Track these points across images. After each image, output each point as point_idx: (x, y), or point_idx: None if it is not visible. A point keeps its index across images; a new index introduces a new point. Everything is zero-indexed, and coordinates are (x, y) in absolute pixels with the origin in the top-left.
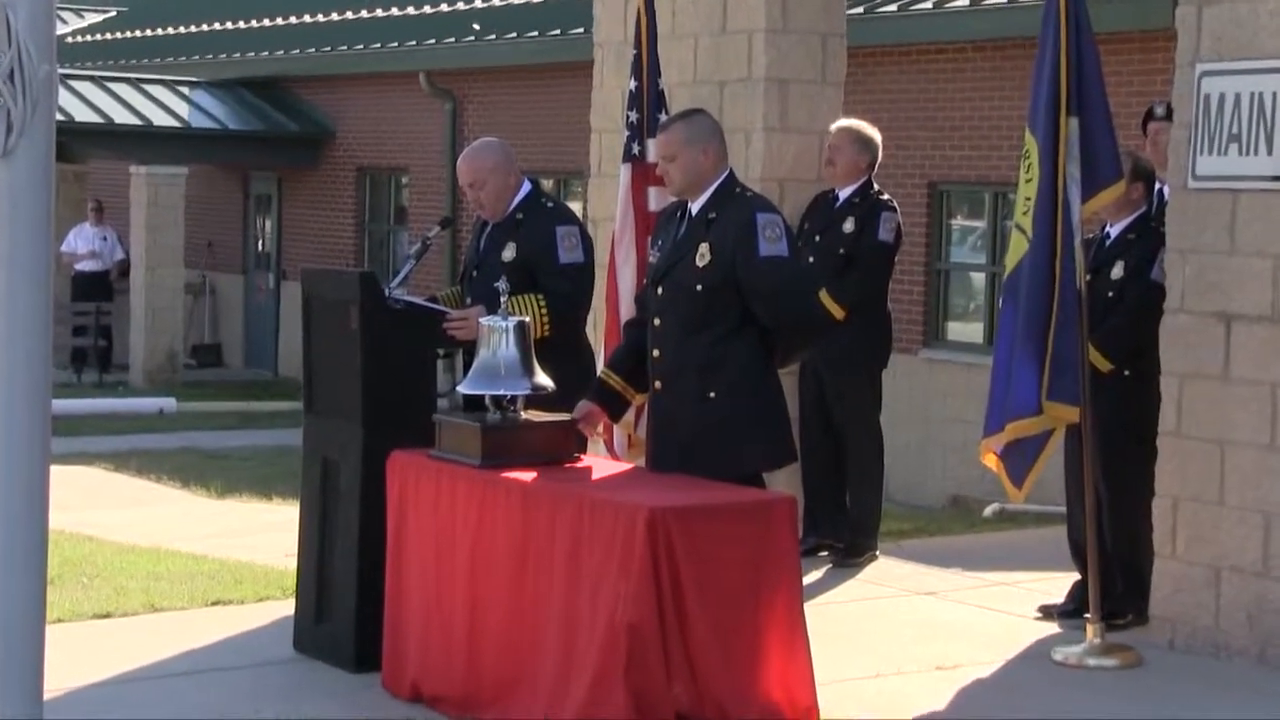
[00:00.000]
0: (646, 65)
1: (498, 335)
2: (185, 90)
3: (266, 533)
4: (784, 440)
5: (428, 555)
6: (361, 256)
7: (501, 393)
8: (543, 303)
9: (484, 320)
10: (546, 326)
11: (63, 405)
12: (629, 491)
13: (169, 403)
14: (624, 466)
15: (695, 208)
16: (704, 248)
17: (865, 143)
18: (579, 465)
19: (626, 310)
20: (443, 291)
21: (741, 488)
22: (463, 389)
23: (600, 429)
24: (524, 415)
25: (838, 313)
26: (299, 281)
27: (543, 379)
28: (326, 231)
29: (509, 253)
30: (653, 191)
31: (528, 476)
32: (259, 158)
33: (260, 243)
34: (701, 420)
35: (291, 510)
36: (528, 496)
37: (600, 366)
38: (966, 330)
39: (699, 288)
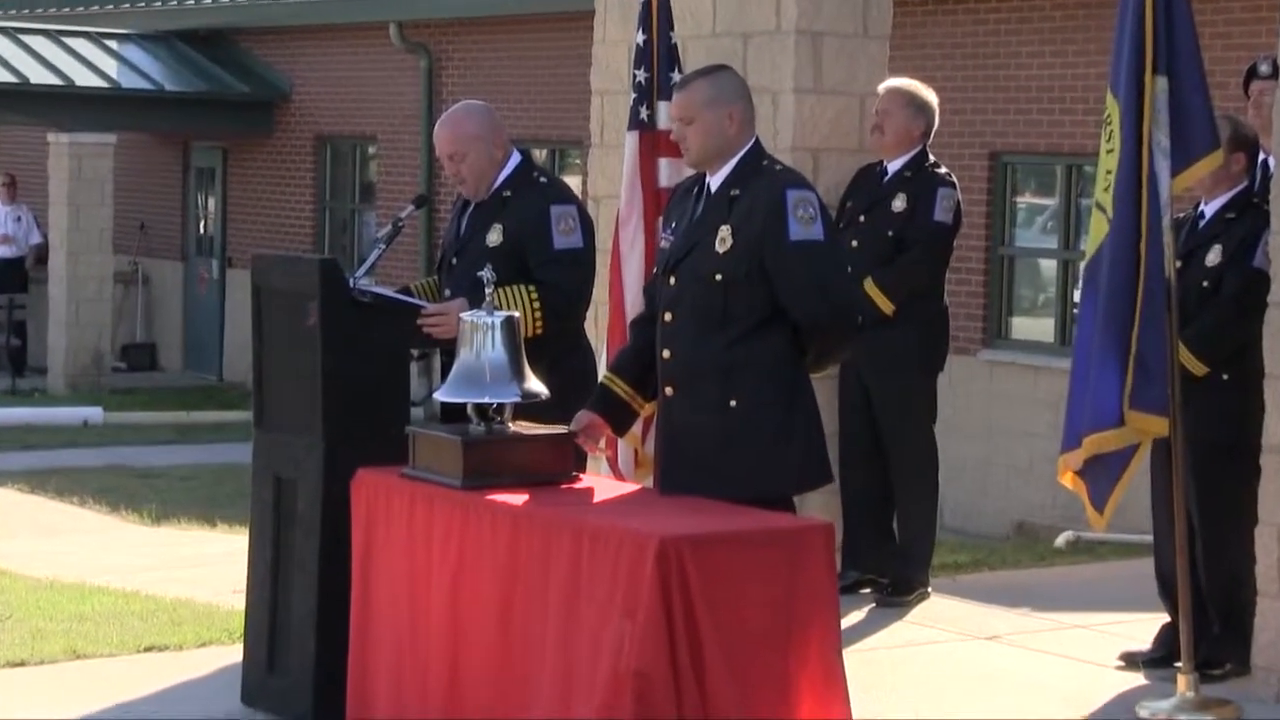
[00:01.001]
0: (657, 15)
1: (482, 333)
2: (113, 44)
3: (209, 565)
4: (818, 457)
5: (400, 592)
6: (321, 241)
7: (486, 401)
8: (534, 295)
9: (465, 315)
10: (539, 323)
11: None
12: (635, 517)
13: (94, 412)
14: (630, 488)
15: (715, 183)
16: (725, 230)
17: (919, 106)
18: (577, 486)
19: (633, 304)
20: (417, 282)
21: (768, 513)
22: (440, 396)
23: (603, 444)
24: (513, 427)
25: (885, 306)
26: (248, 270)
27: (535, 385)
28: (281, 211)
29: (495, 236)
30: (664, 164)
31: (517, 499)
32: (201, 124)
33: (202, 224)
34: (721, 433)
35: (239, 539)
36: (517, 523)
37: (602, 370)
38: (1035, 327)
39: (718, 277)
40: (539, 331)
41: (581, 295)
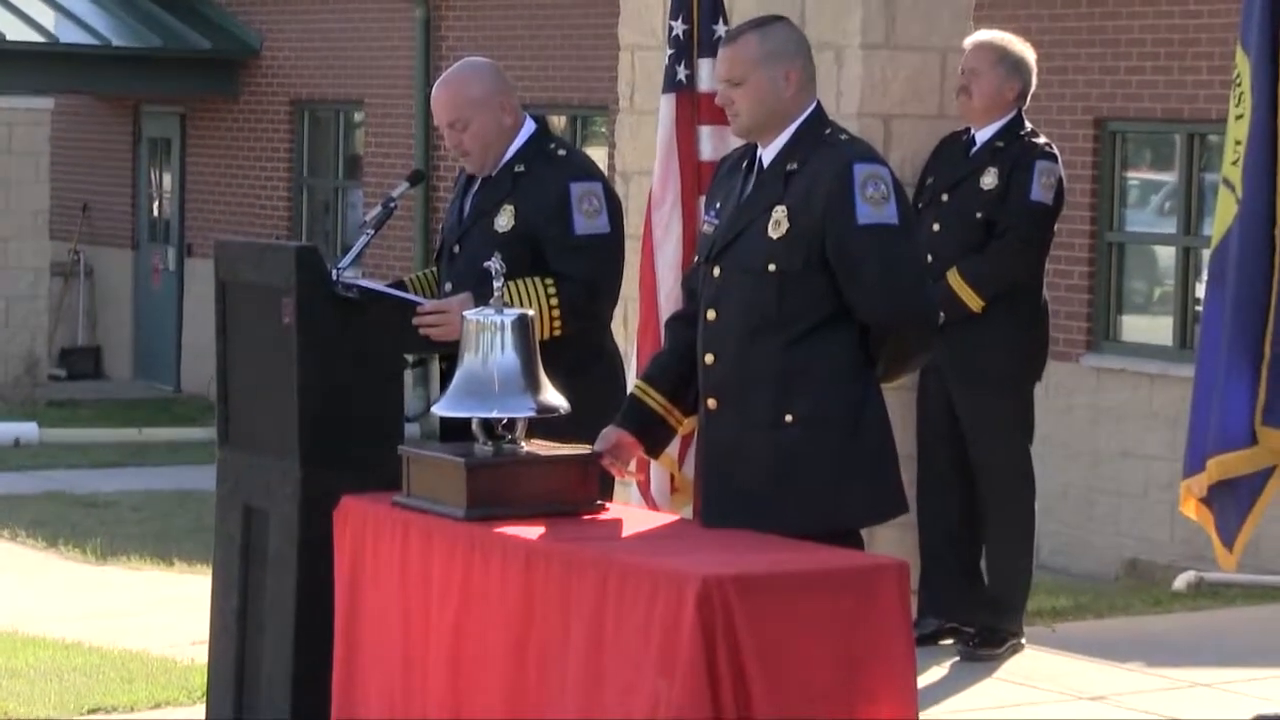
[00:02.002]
0: None
1: (489, 335)
2: None
3: (165, 611)
4: (890, 483)
5: (392, 643)
6: (298, 225)
7: (494, 416)
8: (552, 289)
9: (470, 314)
10: (557, 323)
11: None
12: (672, 554)
13: (28, 429)
14: (665, 519)
15: (768, 156)
16: (780, 212)
17: (1013, 64)
18: (603, 517)
19: (669, 300)
20: (412, 274)
21: (831, 549)
22: (440, 410)
23: (633, 467)
24: (526, 447)
25: (972, 303)
26: (210, 260)
27: (552, 396)
28: (250, 190)
29: (504, 219)
30: (707, 133)
31: (531, 533)
32: (154, 86)
33: (156, 205)
34: (774, 454)
35: (200, 580)
36: (531, 561)
37: (632, 379)
38: (1151, 327)
39: (772, 268)
40: (557, 333)
41: (607, 289)
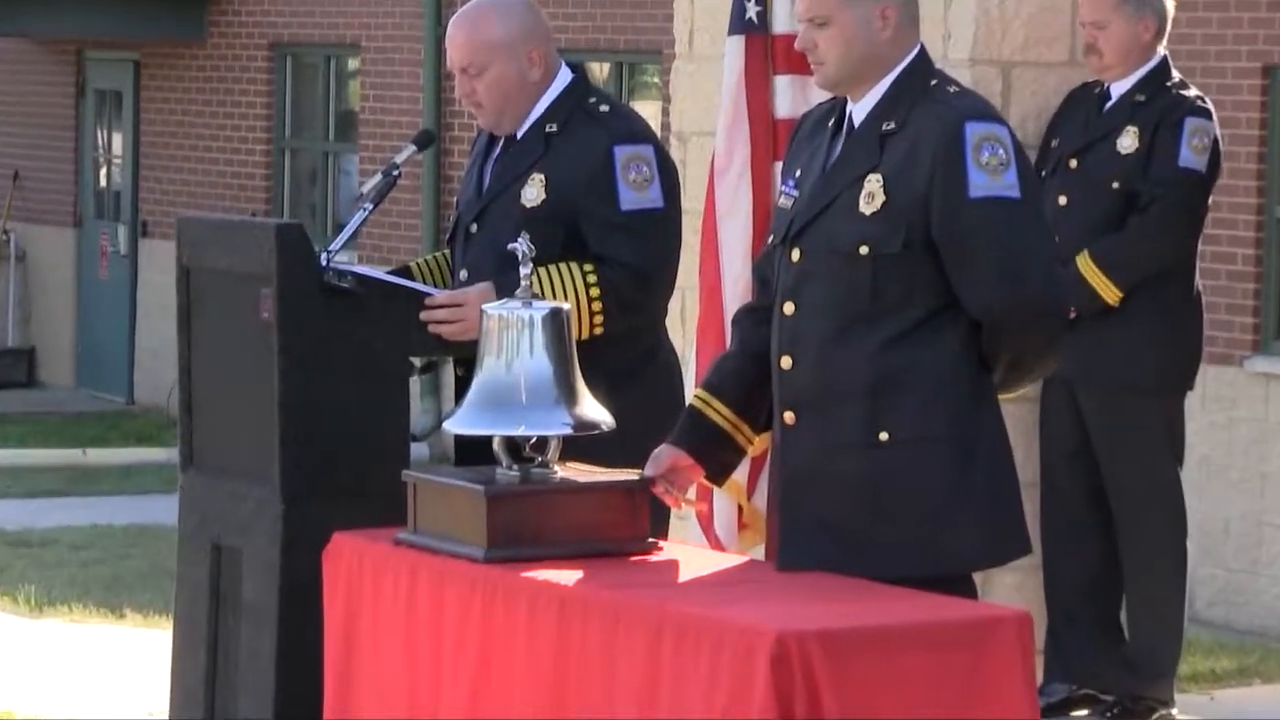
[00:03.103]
0: None
1: (515, 333)
2: None
3: (116, 674)
4: (1009, 516)
5: (394, 711)
6: (279, 198)
7: (521, 433)
8: (592, 278)
9: (490, 308)
10: (598, 318)
11: None
12: (741, 604)
13: None
14: (732, 561)
15: (860, 112)
16: (874, 182)
17: (1140, 1)
18: (655, 558)
19: (737, 290)
20: (420, 259)
21: (936, 598)
22: (453, 427)
23: (692, 495)
24: (560, 472)
25: (1108, 294)
26: (171, 241)
27: (593, 410)
28: (218, 155)
29: (533, 191)
30: (783, 84)
31: (567, 578)
32: (102, 26)
33: (104, 173)
34: (867, 481)
35: (159, 635)
36: (567, 612)
37: (692, 387)
38: None
39: (864, 251)
40: (598, 332)
41: (660, 278)
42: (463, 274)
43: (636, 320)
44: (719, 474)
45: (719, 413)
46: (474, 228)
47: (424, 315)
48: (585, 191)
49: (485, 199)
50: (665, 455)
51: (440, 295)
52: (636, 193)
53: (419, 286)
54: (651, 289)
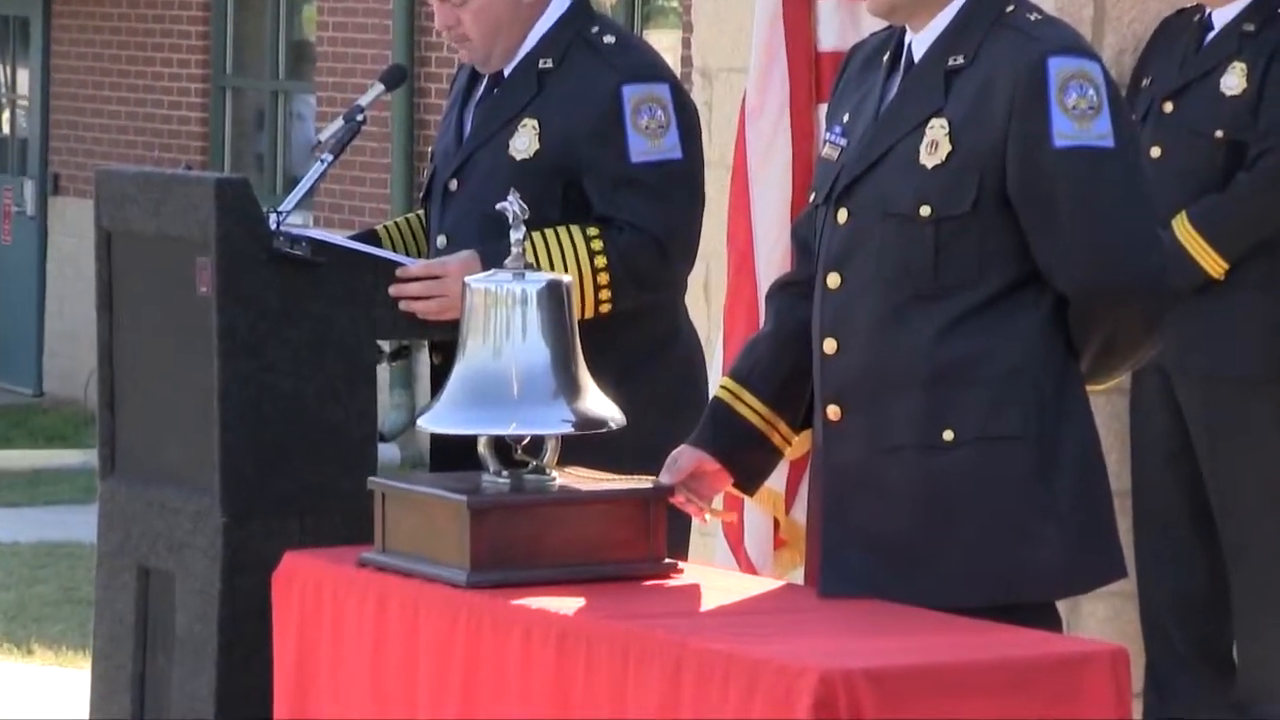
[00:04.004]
0: None
1: (505, 312)
2: None
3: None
4: (1099, 532)
5: None
6: (218, 147)
7: (513, 432)
8: (598, 244)
9: (474, 282)
10: (605, 293)
11: None
12: (777, 637)
13: None
14: (766, 585)
15: (922, 44)
16: (938, 127)
17: None
18: (673, 583)
19: (771, 260)
20: (389, 221)
21: (1011, 630)
22: (429, 424)
23: (718, 504)
24: (559, 479)
25: (1211, 264)
26: (88, 199)
27: (598, 404)
28: (145, 95)
29: (524, 140)
30: (828, 10)
31: (567, 605)
32: None
33: (7, 118)
34: (927, 490)
35: (73, 675)
36: (567, 646)
37: (718, 377)
38: None
39: (926, 211)
40: (605, 309)
41: (680, 244)
42: (440, 240)
43: (651, 296)
44: (750, 481)
45: (750, 407)
46: (453, 184)
47: (395, 290)
48: (588, 140)
49: (466, 150)
50: (686, 458)
51: (415, 266)
52: (649, 141)
53: (389, 255)
54: (668, 258)
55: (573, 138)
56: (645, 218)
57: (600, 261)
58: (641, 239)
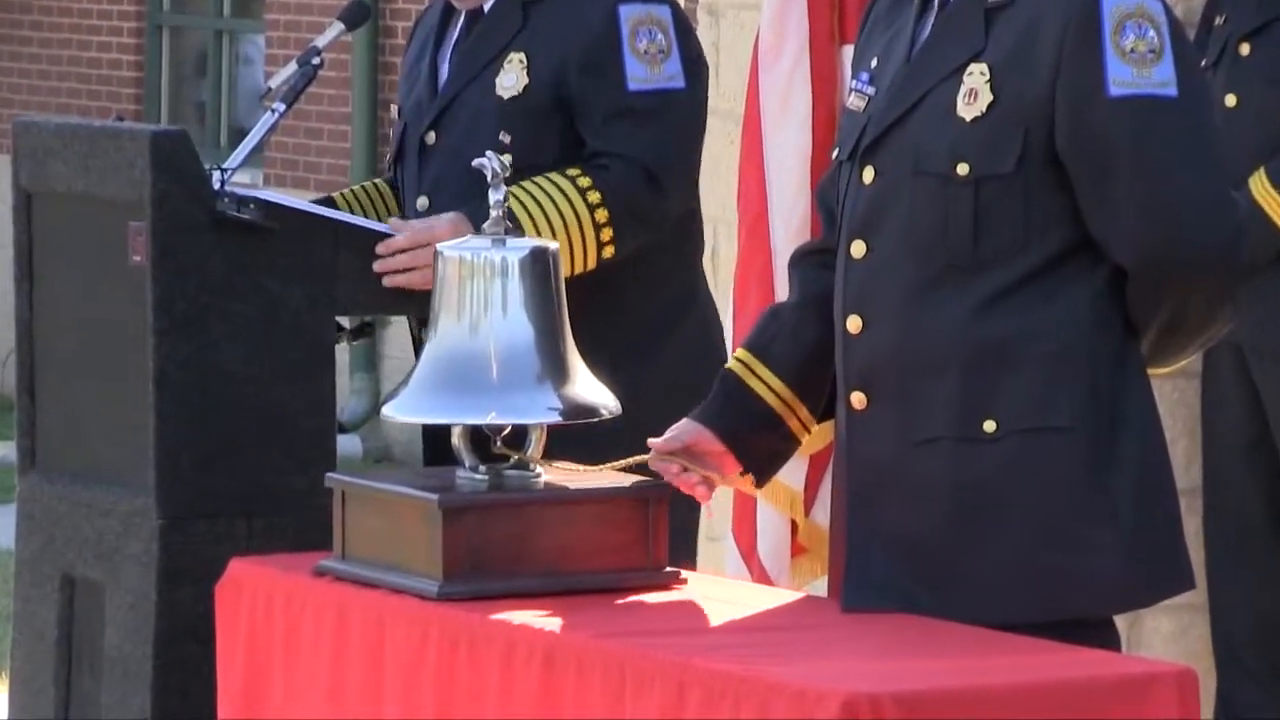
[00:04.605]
0: None
1: (483, 284)
2: None
3: None
4: (1163, 538)
5: None
6: (154, 95)
7: (492, 422)
8: (587, 181)
9: (446, 249)
10: (608, 232)
11: None
12: (795, 657)
13: None
14: (782, 598)
15: None
16: (977, 74)
17: None
18: (677, 595)
19: (790, 225)
20: (347, 189)
21: (1063, 649)
22: (395, 412)
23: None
24: (544, 475)
25: None
26: (5, 155)
27: (590, 388)
28: (70, 35)
29: (511, 77)
30: None
31: (553, 622)
32: None
33: None
34: (966, 488)
35: None
36: (555, 666)
37: (732, 349)
38: None
39: (964, 170)
40: (610, 254)
41: (679, 178)
42: (421, 202)
43: (653, 234)
44: (758, 469)
45: (766, 383)
46: (431, 137)
47: (379, 265)
48: (580, 67)
49: (445, 97)
50: (686, 432)
51: (401, 235)
52: (648, 68)
53: (351, 218)
54: (662, 189)
55: (565, 67)
56: (634, 146)
57: (594, 197)
58: (630, 170)
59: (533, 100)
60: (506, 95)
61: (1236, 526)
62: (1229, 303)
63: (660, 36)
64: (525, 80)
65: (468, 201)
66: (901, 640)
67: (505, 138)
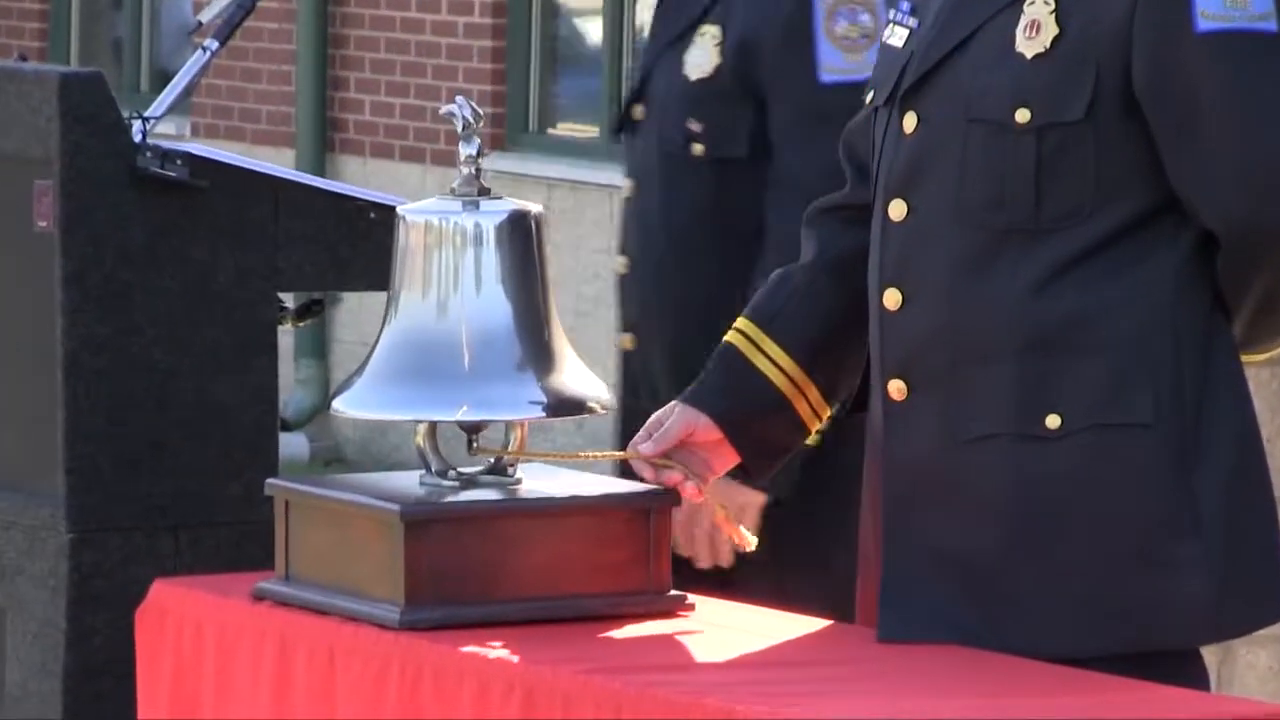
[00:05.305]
0: None
1: (452, 255)
2: None
3: None
4: (1258, 556)
5: None
6: (63, 32)
7: (464, 418)
8: None
9: (410, 213)
10: None
11: None
12: (820, 698)
13: None
14: (806, 626)
15: None
16: (1039, 3)
17: None
18: (681, 623)
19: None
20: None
21: (1141, 687)
22: (347, 407)
23: (719, 514)
24: (525, 481)
25: None
26: None
27: (579, 378)
28: None
29: (701, 54)
30: None
31: (537, 654)
32: None
33: None
34: (1026, 494)
35: None
36: (535, 708)
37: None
38: None
39: (1023, 117)
40: None
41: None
42: (627, 186)
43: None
44: (760, 463)
45: (772, 359)
46: (638, 110)
47: None
48: (775, 47)
49: (643, 66)
50: (676, 421)
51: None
52: (846, 55)
53: (301, 177)
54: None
55: (757, 46)
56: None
57: None
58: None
59: (721, 85)
60: (694, 75)
61: None
62: None
63: (865, 17)
64: (716, 60)
65: (667, 190)
66: (949, 677)
67: (695, 125)
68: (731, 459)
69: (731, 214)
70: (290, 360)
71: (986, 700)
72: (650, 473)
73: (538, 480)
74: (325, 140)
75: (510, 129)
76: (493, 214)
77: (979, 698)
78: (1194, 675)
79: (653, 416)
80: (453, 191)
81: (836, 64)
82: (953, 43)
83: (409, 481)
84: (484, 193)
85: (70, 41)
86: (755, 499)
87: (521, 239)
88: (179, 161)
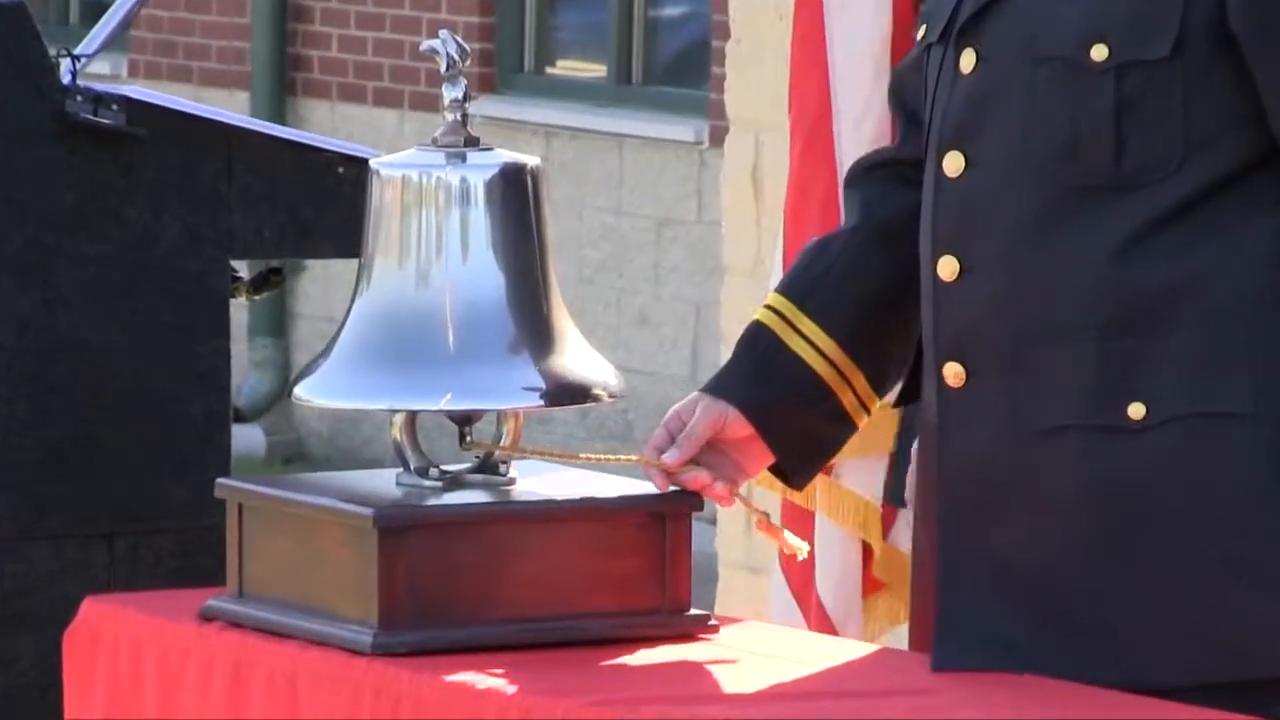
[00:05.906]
0: None
1: (435, 216)
2: None
3: None
4: None
5: None
6: None
7: (448, 408)
8: None
9: (384, 167)
10: None
11: None
12: None
13: None
14: (851, 652)
15: None
16: None
17: None
18: (703, 648)
19: (859, 130)
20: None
21: None
22: (310, 394)
23: (762, 521)
24: (520, 481)
25: None
26: None
27: (583, 361)
28: None
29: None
30: None
31: (534, 684)
32: None
33: None
34: (1106, 494)
35: None
36: None
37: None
38: None
39: (1099, 55)
40: None
41: None
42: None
43: None
44: (798, 465)
45: (810, 341)
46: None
47: None
48: None
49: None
50: (701, 417)
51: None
52: None
53: (257, 124)
54: None
55: None
56: None
57: None
58: None
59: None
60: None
61: None
62: None
63: None
64: None
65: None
66: (1018, 711)
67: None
68: (764, 458)
69: None
70: (244, 339)
71: None
72: (661, 480)
73: (534, 479)
74: (285, 82)
75: (502, 68)
76: (482, 168)
77: None
78: None
79: (671, 410)
80: (434, 142)
81: None
82: None
83: (384, 481)
84: (471, 143)
85: None
86: None
87: (515, 197)
88: (114, 106)
